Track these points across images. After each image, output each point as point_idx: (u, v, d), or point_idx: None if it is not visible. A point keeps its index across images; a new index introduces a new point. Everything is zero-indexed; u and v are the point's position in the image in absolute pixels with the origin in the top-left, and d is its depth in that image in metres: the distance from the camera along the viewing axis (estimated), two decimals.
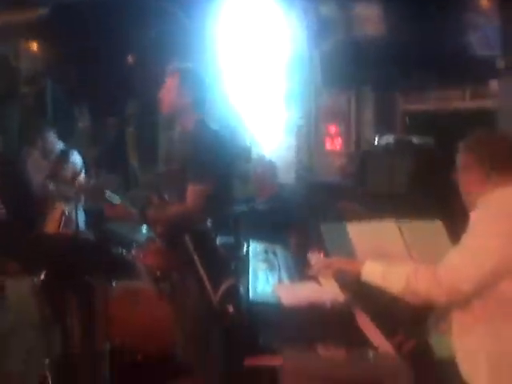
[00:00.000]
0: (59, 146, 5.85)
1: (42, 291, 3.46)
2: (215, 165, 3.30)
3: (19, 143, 7.27)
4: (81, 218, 5.70)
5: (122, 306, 4.06)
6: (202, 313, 3.08)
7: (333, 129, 6.34)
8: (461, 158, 2.43)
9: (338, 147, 6.33)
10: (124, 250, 4.05)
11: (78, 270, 3.16)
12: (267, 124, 6.36)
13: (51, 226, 4.59)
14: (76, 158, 5.64)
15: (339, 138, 6.32)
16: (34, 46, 7.23)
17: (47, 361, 3.58)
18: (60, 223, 4.55)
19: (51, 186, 5.52)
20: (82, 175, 5.66)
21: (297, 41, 5.91)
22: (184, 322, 3.40)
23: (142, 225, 4.19)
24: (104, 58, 7.16)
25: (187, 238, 2.59)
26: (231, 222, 3.07)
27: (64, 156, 5.61)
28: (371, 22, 5.67)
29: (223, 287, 2.51)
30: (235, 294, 2.44)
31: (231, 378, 3.08)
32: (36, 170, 5.76)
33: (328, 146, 6.35)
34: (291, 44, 5.91)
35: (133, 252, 4.34)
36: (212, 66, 5.71)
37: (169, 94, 3.48)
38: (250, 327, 2.42)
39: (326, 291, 2.61)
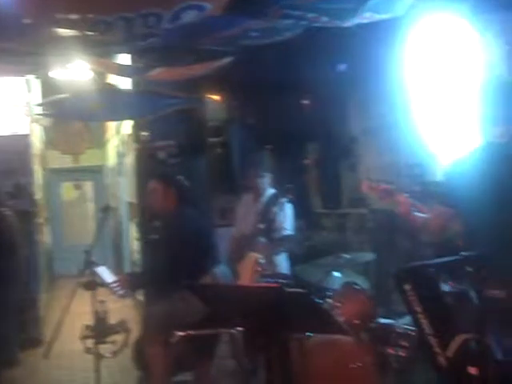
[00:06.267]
0: (270, 190, 5.76)
1: (238, 343, 3.31)
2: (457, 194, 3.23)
3: (208, 193, 7.33)
4: (282, 264, 5.52)
5: (317, 358, 3.72)
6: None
7: None
8: None
9: None
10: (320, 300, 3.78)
11: (276, 323, 2.89)
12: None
13: (244, 275, 4.41)
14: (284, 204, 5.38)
15: None
16: (218, 96, 7.34)
17: None
18: (253, 272, 4.34)
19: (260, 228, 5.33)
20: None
21: (493, 64, 5.31)
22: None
23: None
24: (286, 98, 7.06)
25: (407, 287, 2.18)
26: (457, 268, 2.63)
27: (274, 199, 5.44)
28: None
29: (455, 343, 2.05)
30: (473, 352, 1.95)
31: None
32: (247, 213, 5.75)
33: None
34: (486, 68, 5.32)
35: (328, 300, 4.09)
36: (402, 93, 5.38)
37: None
38: None
39: None
